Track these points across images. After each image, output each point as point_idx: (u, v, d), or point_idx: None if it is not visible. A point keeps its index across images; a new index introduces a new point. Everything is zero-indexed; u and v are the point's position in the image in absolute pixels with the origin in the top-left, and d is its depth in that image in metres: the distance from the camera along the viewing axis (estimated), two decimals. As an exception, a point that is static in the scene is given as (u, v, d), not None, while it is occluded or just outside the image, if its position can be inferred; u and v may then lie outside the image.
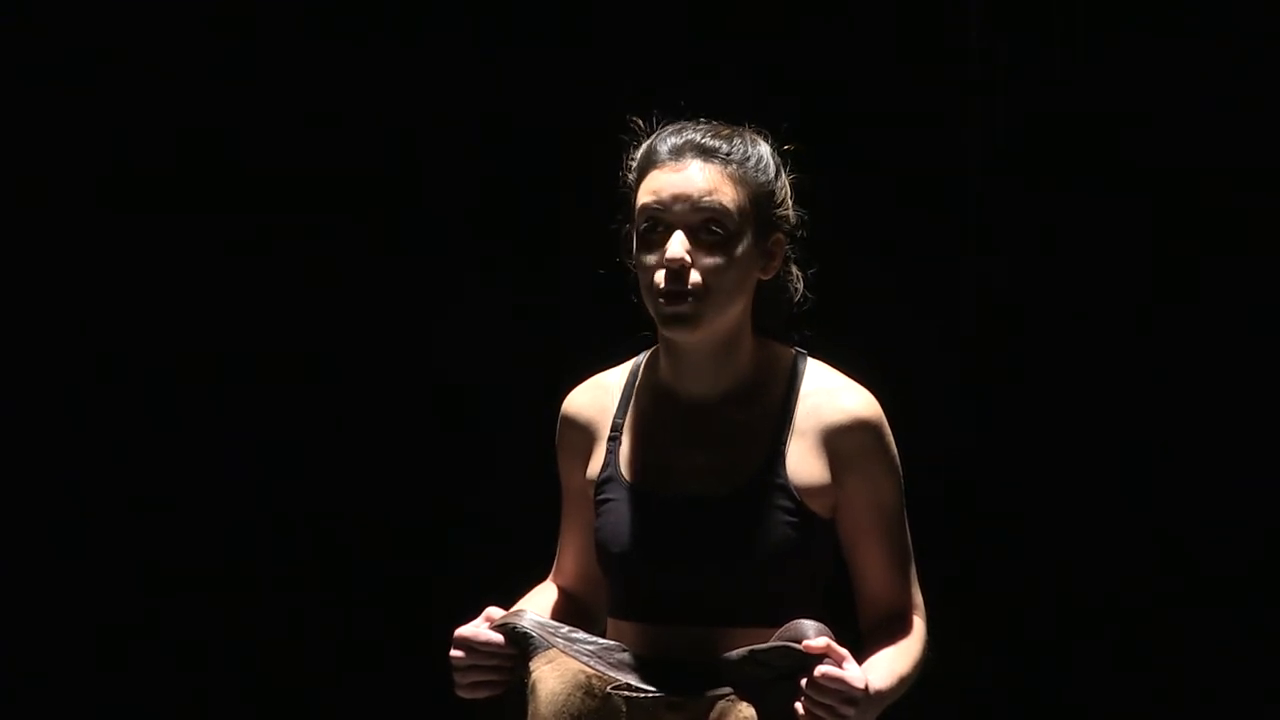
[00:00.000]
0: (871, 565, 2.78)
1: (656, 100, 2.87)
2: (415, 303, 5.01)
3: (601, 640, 2.76)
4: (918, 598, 2.81)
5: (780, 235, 2.81)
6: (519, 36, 4.94)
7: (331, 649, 5.04)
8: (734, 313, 2.76)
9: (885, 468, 2.78)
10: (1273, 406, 4.67)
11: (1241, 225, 4.67)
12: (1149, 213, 4.70)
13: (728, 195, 2.74)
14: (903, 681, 2.70)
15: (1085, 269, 4.73)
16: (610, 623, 2.82)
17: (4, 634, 5.02)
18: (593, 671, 2.71)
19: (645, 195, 2.76)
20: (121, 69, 4.98)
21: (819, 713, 2.56)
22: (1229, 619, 4.68)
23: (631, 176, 2.81)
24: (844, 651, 2.58)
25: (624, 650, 2.74)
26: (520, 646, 2.73)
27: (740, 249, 2.74)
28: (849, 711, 2.55)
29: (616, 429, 2.84)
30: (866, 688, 2.57)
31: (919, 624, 2.78)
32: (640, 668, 2.71)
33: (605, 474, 2.83)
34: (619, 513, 2.79)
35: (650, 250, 2.74)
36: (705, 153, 2.76)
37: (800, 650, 2.58)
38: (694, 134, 2.78)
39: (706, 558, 2.74)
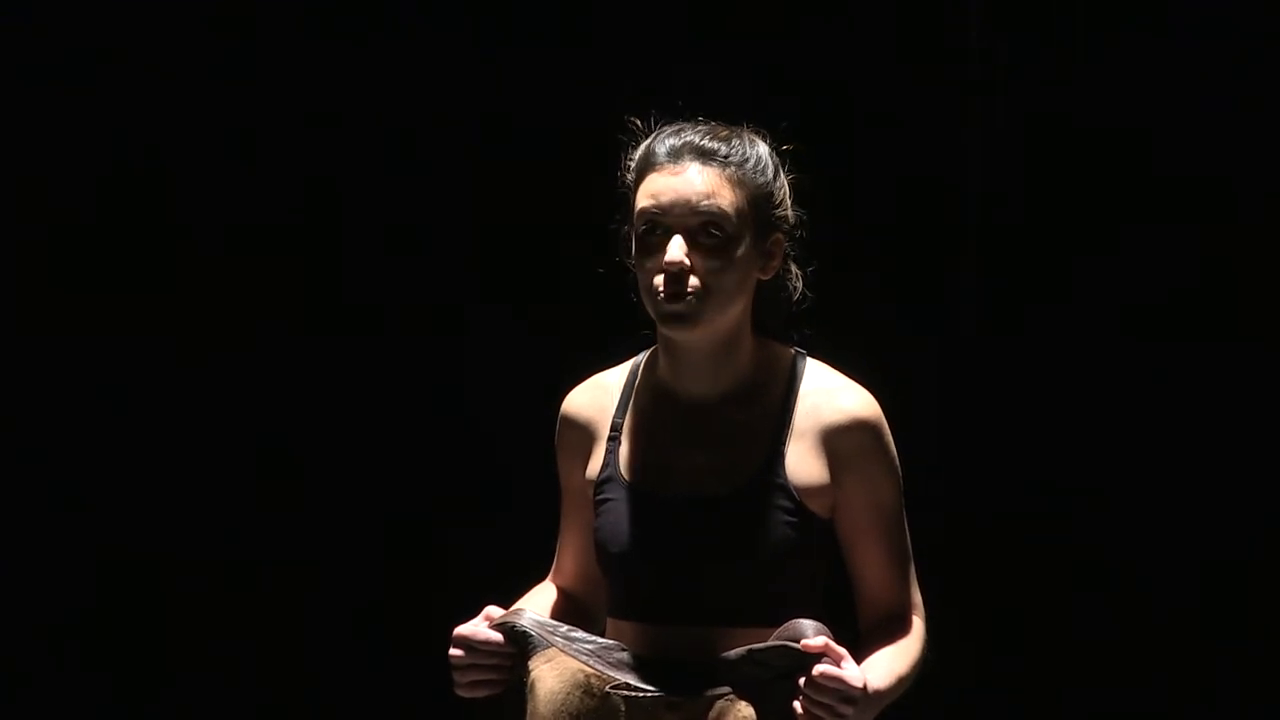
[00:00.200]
0: (870, 565, 2.78)
1: (656, 100, 2.87)
2: (415, 302, 5.01)
3: (601, 639, 2.76)
4: (917, 598, 2.80)
5: (779, 235, 2.80)
6: (519, 36, 4.94)
7: (331, 648, 5.04)
8: (734, 313, 2.76)
9: (884, 468, 2.78)
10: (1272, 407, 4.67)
11: (1242, 225, 4.67)
12: (1149, 212, 4.70)
13: (726, 198, 2.74)
14: (901, 681, 2.69)
15: (1085, 269, 4.73)
16: (609, 622, 2.82)
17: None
18: (592, 671, 2.71)
19: (644, 198, 2.76)
20: (121, 69, 4.98)
21: (817, 711, 2.56)
22: (1229, 619, 4.69)
23: (630, 177, 2.81)
24: (842, 651, 2.58)
25: (623, 650, 2.74)
26: (519, 645, 2.73)
27: (739, 251, 2.74)
28: (847, 710, 2.55)
29: (616, 429, 2.84)
30: (865, 687, 2.57)
31: (918, 624, 2.78)
32: (639, 667, 2.71)
33: (605, 474, 2.83)
34: (618, 512, 2.79)
35: (649, 253, 2.74)
36: (704, 155, 2.75)
37: (799, 649, 2.58)
38: (692, 135, 2.78)
39: (706, 558, 2.73)
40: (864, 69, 4.78)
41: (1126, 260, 4.71)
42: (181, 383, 5.05)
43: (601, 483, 2.83)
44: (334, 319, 5.05)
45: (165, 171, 5.02)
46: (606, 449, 2.84)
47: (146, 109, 4.99)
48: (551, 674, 2.71)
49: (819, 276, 2.88)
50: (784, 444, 2.76)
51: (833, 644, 2.58)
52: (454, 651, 2.74)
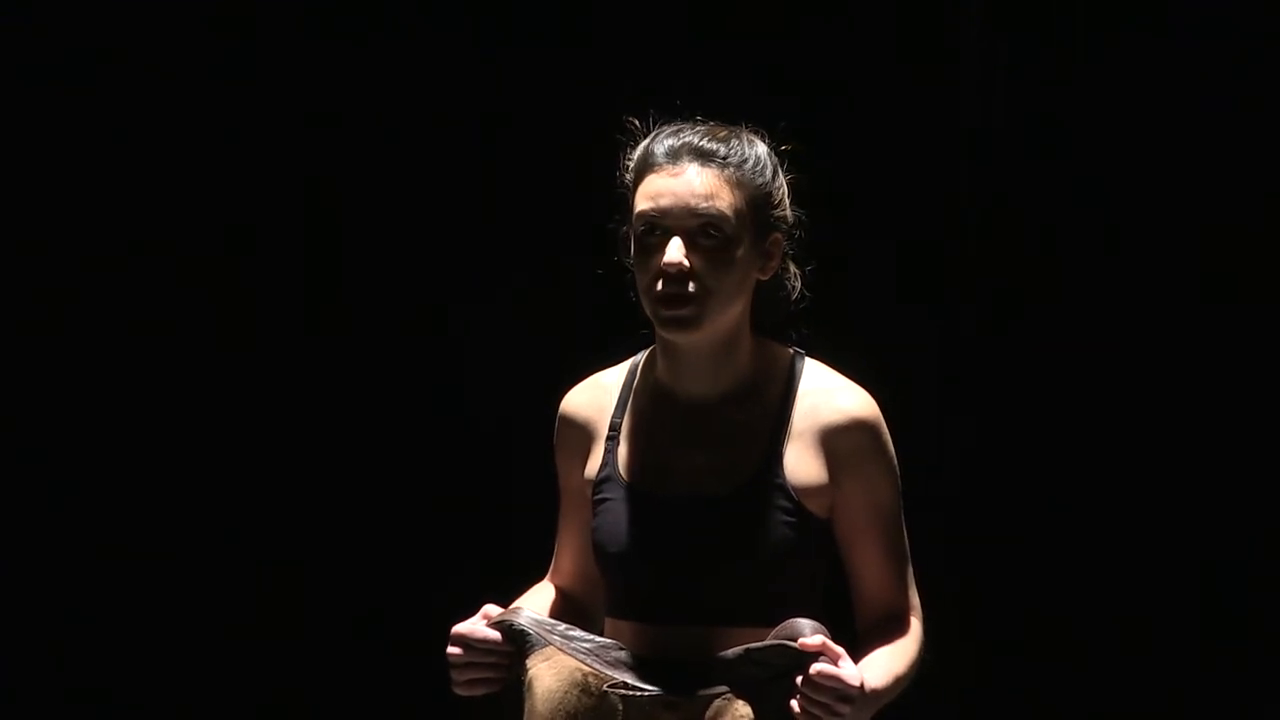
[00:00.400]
0: (868, 565, 2.78)
1: (656, 100, 2.87)
2: (414, 302, 5.01)
3: (599, 639, 2.76)
4: (914, 599, 2.80)
5: (778, 235, 2.81)
6: (519, 36, 4.94)
7: (330, 648, 5.03)
8: (733, 314, 2.76)
9: (882, 468, 2.78)
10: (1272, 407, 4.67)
11: (1241, 227, 4.67)
12: (1149, 213, 4.70)
13: (725, 199, 2.74)
14: (898, 681, 2.70)
15: (1085, 269, 4.73)
16: (608, 622, 2.82)
17: None
18: (589, 670, 2.71)
19: (642, 200, 2.76)
20: (121, 69, 4.98)
21: (814, 710, 2.56)
22: (1230, 619, 4.68)
23: (629, 177, 2.81)
24: (839, 650, 2.58)
25: (621, 649, 2.74)
26: (517, 644, 2.73)
27: (738, 252, 2.74)
28: (844, 709, 2.55)
29: (615, 428, 2.84)
30: (862, 686, 2.57)
31: (915, 625, 2.78)
32: (637, 666, 2.71)
33: (603, 473, 2.83)
34: (617, 512, 2.79)
35: (648, 255, 2.74)
36: (702, 156, 2.75)
37: (796, 648, 2.58)
38: (691, 136, 2.78)
39: (704, 558, 2.74)
40: (864, 69, 4.78)
41: (1126, 260, 4.71)
42: (181, 382, 5.05)
43: (600, 482, 2.83)
44: (334, 319, 5.05)
45: (165, 171, 5.02)
46: (605, 448, 2.84)
47: (146, 109, 4.99)
48: (549, 673, 2.71)
49: (818, 277, 2.88)
50: (782, 444, 2.76)
51: (830, 643, 2.58)
52: (452, 650, 2.74)
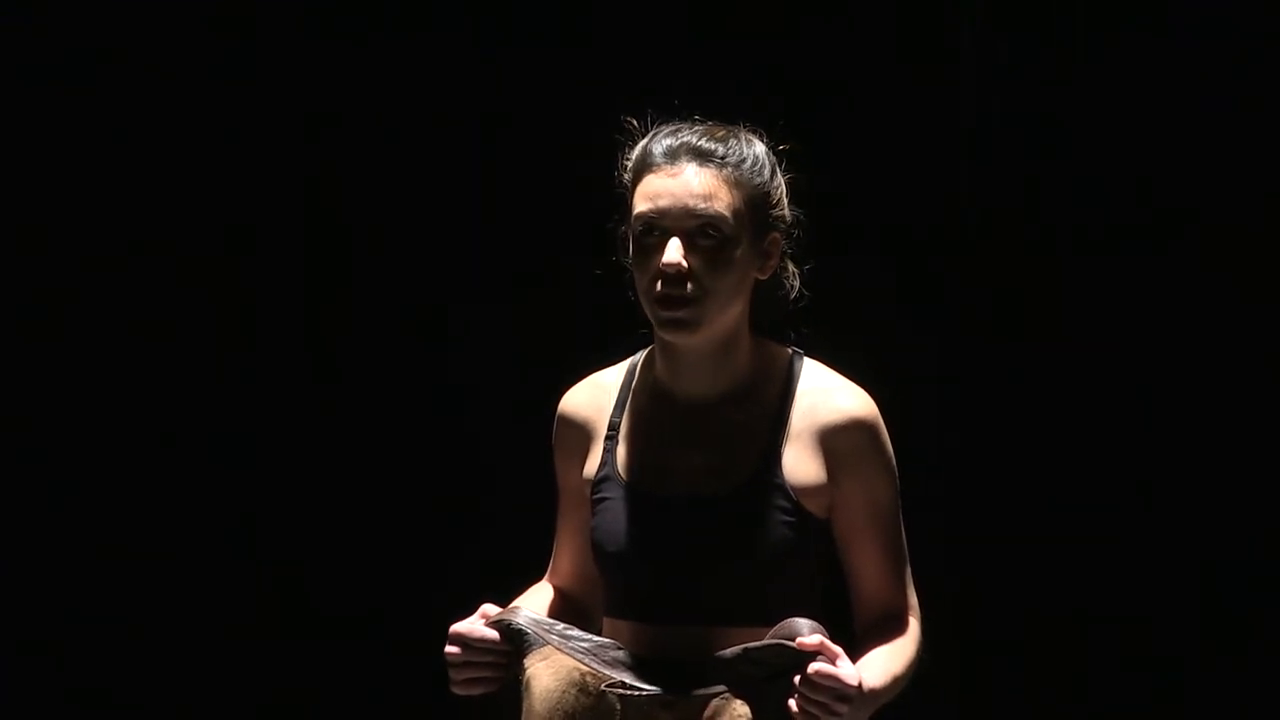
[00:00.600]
0: (866, 565, 2.78)
1: (656, 100, 2.87)
2: (414, 302, 5.01)
3: (597, 638, 2.76)
4: (912, 599, 2.80)
5: (776, 235, 2.80)
6: (519, 36, 4.94)
7: (330, 647, 5.03)
8: (731, 314, 2.76)
9: (880, 468, 2.78)
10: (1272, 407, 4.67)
11: (1241, 227, 4.66)
12: (1149, 212, 4.70)
13: (723, 200, 2.73)
14: (896, 681, 2.69)
15: (1085, 269, 4.73)
16: (606, 622, 2.82)
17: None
18: (587, 669, 2.71)
19: (641, 200, 2.75)
20: (121, 69, 4.98)
21: (812, 710, 2.56)
22: (1230, 619, 4.68)
23: (627, 178, 2.81)
24: (837, 649, 2.58)
25: (619, 648, 2.74)
26: (515, 643, 2.73)
27: (737, 252, 2.74)
28: (842, 709, 2.55)
29: (613, 428, 2.84)
30: (860, 685, 2.57)
31: (914, 625, 2.78)
32: (635, 666, 2.71)
33: (602, 473, 2.83)
34: (615, 512, 2.79)
35: (647, 255, 2.74)
36: (701, 156, 2.75)
37: (794, 648, 2.58)
38: (689, 136, 2.77)
39: (703, 557, 2.74)
40: (864, 69, 4.78)
41: (1126, 260, 4.71)
42: (181, 382, 5.05)
43: (599, 482, 2.83)
44: (334, 319, 5.05)
45: (165, 171, 5.02)
46: (604, 448, 2.84)
47: (146, 109, 4.99)
48: (547, 672, 2.71)
49: (818, 277, 2.88)
50: (781, 444, 2.76)
51: (828, 642, 2.58)
52: (450, 649, 2.74)
